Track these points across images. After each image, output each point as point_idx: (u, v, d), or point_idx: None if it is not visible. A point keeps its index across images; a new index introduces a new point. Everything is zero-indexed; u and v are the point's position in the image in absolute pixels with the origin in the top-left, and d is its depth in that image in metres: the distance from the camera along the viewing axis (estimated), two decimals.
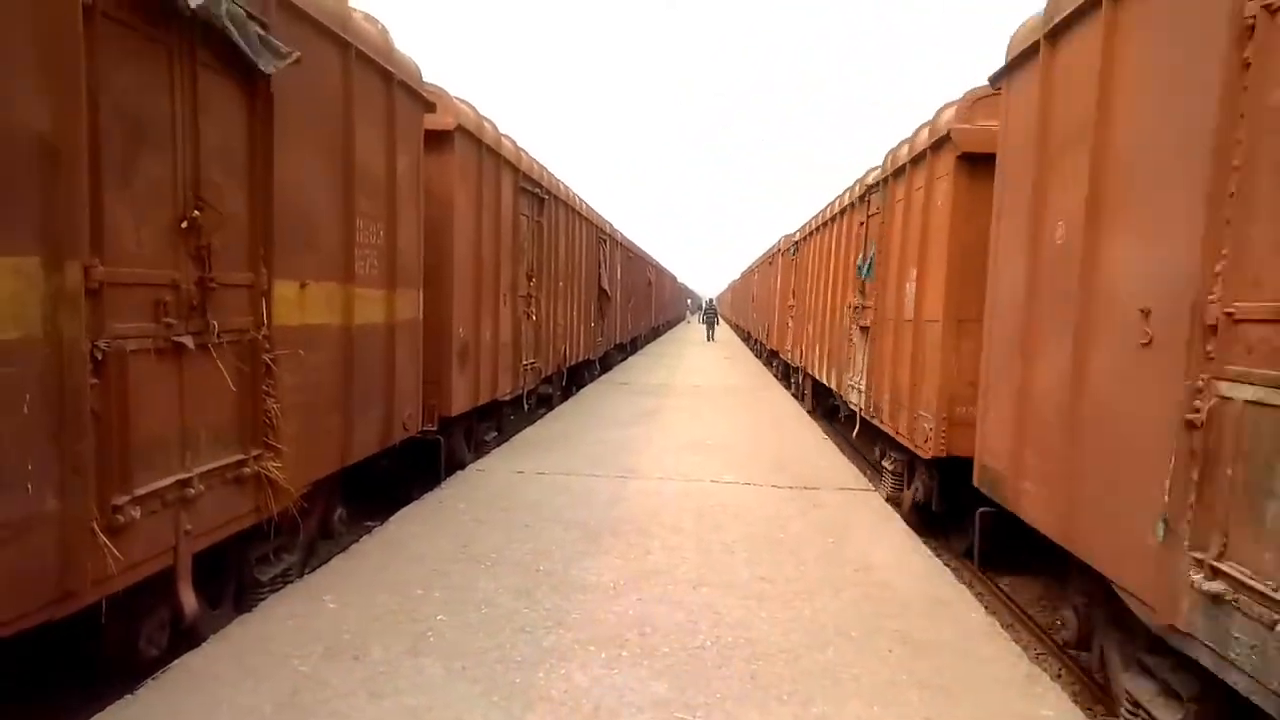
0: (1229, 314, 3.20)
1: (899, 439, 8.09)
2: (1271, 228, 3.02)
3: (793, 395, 16.59)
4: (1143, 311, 3.74)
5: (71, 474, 3.18)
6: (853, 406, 10.46)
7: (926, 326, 7.38)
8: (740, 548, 6.01)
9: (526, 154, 10.95)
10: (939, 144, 7.23)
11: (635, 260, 27.21)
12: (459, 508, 6.86)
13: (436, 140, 7.72)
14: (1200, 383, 3.31)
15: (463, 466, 8.51)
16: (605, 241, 18.90)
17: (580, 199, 15.35)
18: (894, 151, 8.83)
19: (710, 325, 39.83)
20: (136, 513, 3.56)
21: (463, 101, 8.38)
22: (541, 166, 11.85)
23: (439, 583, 5.09)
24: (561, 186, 13.37)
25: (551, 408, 13.43)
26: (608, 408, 13.50)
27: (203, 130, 4.02)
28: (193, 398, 4.00)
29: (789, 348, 18.05)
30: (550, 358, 12.94)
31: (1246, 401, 3.08)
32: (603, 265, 18.59)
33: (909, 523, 7.17)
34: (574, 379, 16.41)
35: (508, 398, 10.45)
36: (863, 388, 9.82)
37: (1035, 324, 5.03)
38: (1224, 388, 3.21)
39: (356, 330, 5.82)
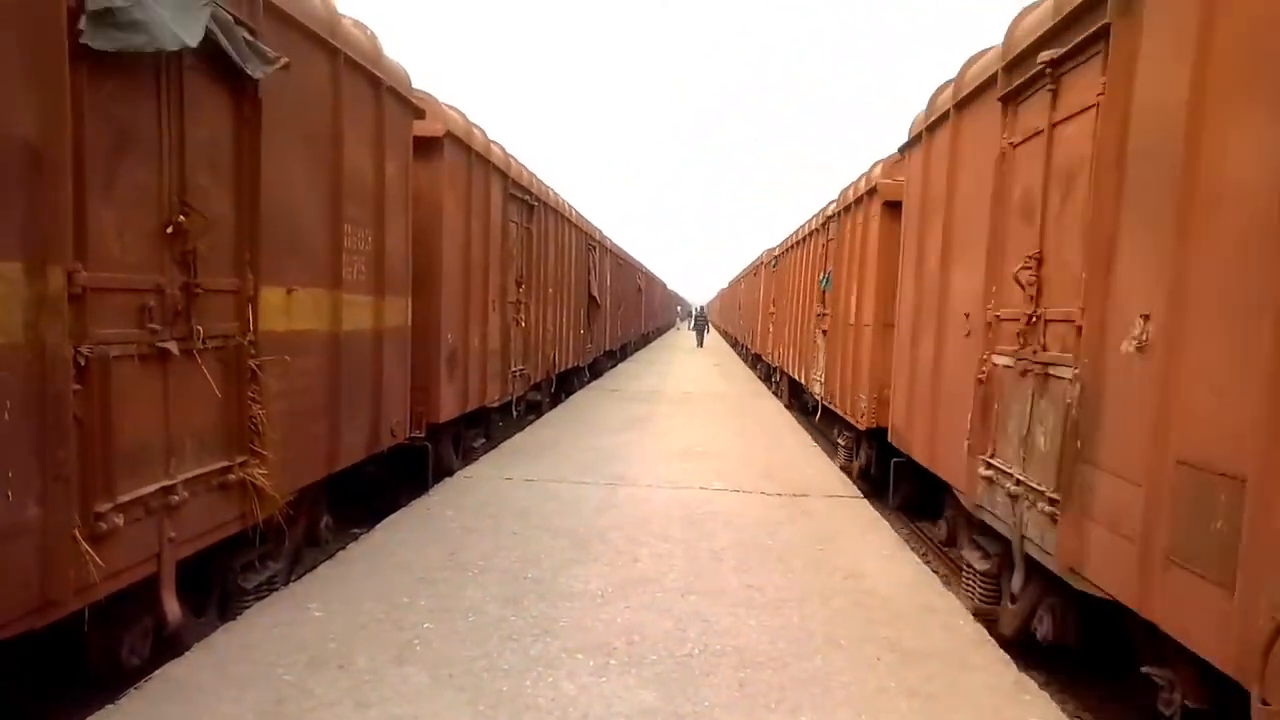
0: (996, 316, 5.43)
1: (846, 417, 10.22)
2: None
3: (773, 394, 17.87)
4: (965, 315, 5.95)
5: (53, 481, 3.14)
6: (816, 396, 12.62)
7: (863, 329, 9.37)
8: (729, 555, 6.00)
9: (516, 160, 10.95)
10: (870, 192, 9.32)
11: (625, 267, 27.23)
12: (447, 515, 6.83)
13: (426, 147, 7.71)
14: (985, 355, 5.51)
15: (451, 474, 8.48)
16: (595, 248, 18.90)
17: (570, 206, 15.36)
18: (844, 191, 10.90)
19: (700, 332, 40.49)
20: (120, 520, 3.52)
21: (452, 108, 8.37)
22: (531, 173, 11.85)
23: (426, 591, 5.06)
24: (551, 193, 13.37)
25: (541, 415, 13.40)
26: (597, 414, 13.48)
27: (189, 135, 3.99)
28: (177, 404, 3.96)
29: (769, 350, 20.16)
30: (539, 364, 12.92)
31: (1002, 366, 5.28)
32: (592, 272, 18.59)
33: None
34: (563, 386, 16.38)
35: (496, 404, 10.42)
36: (822, 380, 11.96)
37: (918, 325, 7.25)
38: (993, 358, 5.43)
39: (344, 336, 5.79)
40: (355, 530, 6.70)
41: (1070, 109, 4.56)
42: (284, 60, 4.49)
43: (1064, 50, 4.52)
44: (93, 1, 3.19)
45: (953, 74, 6.50)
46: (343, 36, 5.59)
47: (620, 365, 25.56)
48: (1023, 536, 4.78)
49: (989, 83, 5.63)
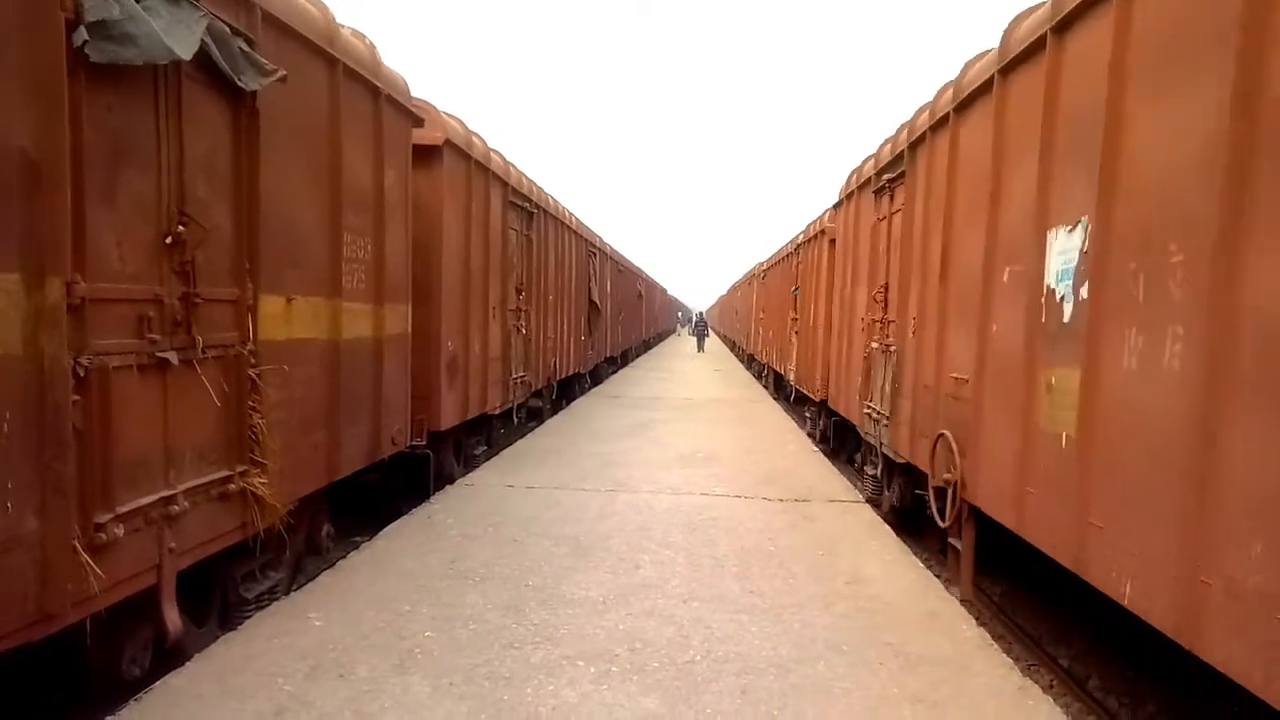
0: (871, 320, 8.84)
1: (807, 393, 13.93)
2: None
3: (763, 386, 20.80)
4: (862, 319, 9.34)
5: (53, 493, 3.14)
6: (790, 382, 16.43)
7: (817, 330, 12.95)
8: (731, 561, 5.99)
9: (515, 168, 10.97)
10: (820, 232, 13.00)
11: (625, 273, 27.24)
12: (448, 523, 6.82)
13: (425, 155, 7.73)
14: (867, 344, 9.00)
15: (452, 481, 8.47)
16: (595, 255, 18.92)
17: (570, 213, 15.38)
18: (808, 226, 14.57)
19: (700, 338, 40.61)
20: (119, 531, 3.52)
21: (451, 116, 8.39)
22: (531, 181, 11.87)
23: (427, 599, 5.05)
24: (551, 200, 13.39)
25: (542, 421, 13.39)
26: (598, 421, 13.47)
27: (187, 145, 4.00)
28: (177, 414, 3.96)
29: (759, 349, 24.71)
30: (540, 371, 12.92)
31: (873, 349, 8.79)
32: (592, 279, 18.60)
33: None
34: (564, 392, 16.38)
35: (498, 412, 10.42)
36: (794, 369, 15.86)
37: (840, 327, 11.00)
38: (870, 345, 8.88)
39: (344, 345, 5.79)
40: (356, 539, 6.69)
41: (896, 207, 8.16)
42: (281, 73, 4.51)
43: (893, 176, 8.24)
44: (91, 13, 3.20)
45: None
46: (341, 46, 5.60)
47: (621, 371, 25.55)
48: (880, 443, 8.35)
49: (869, 181, 9.22)
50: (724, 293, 55.62)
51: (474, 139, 9.01)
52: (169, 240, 3.87)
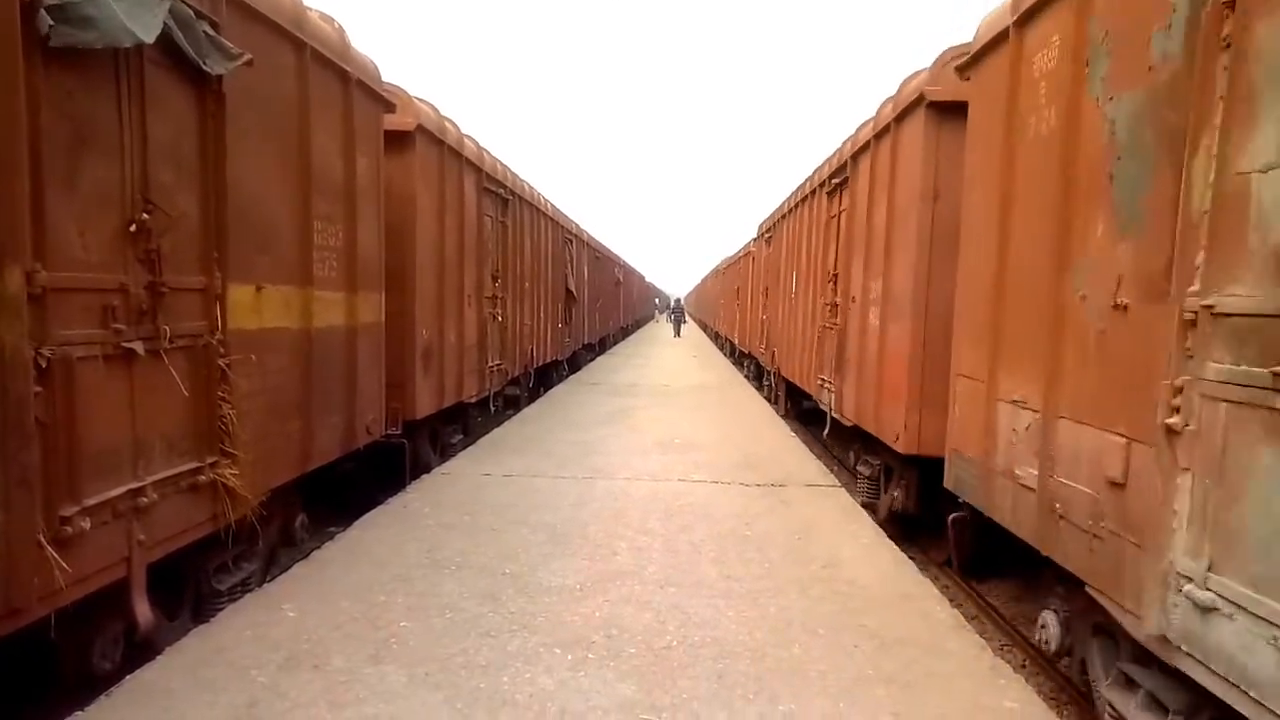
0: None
1: (766, 365, 16.70)
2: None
3: (739, 371, 22.20)
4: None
5: (16, 486, 3.08)
6: (746, 350, 21.14)
7: (761, 314, 17.00)
8: (708, 547, 6.01)
9: (490, 154, 10.88)
10: (756, 240, 18.79)
11: (602, 260, 27.16)
12: (424, 512, 6.79)
13: (397, 141, 7.65)
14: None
15: (428, 470, 8.43)
16: (571, 241, 18.84)
17: (545, 199, 15.29)
18: (755, 236, 19.68)
19: (677, 323, 41.68)
20: (86, 524, 3.46)
21: (424, 102, 8.30)
22: (505, 167, 11.78)
23: (403, 589, 5.03)
24: (526, 187, 13.30)
25: (519, 409, 13.34)
26: (576, 409, 13.45)
27: (151, 131, 3.92)
28: (144, 404, 3.90)
29: (726, 329, 30.06)
30: (517, 359, 12.87)
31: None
32: (569, 265, 18.53)
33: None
34: (542, 380, 16.33)
35: (474, 400, 10.37)
36: (737, 340, 22.59)
37: (789, 312, 13.40)
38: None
39: (316, 334, 5.73)
40: (332, 529, 6.65)
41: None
42: (246, 56, 4.42)
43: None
44: None
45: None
46: (309, 29, 5.51)
47: (599, 358, 25.51)
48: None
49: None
50: (701, 279, 56.71)
51: (447, 124, 8.92)
52: (133, 228, 3.80)
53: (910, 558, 6.09)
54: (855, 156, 8.89)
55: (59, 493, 3.34)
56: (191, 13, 4.02)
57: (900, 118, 7.35)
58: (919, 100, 6.78)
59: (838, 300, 9.57)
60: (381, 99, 6.97)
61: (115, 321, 3.68)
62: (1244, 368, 2.75)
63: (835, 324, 9.61)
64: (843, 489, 8.11)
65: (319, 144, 5.72)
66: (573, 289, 18.85)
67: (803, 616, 4.76)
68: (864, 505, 7.73)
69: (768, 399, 15.96)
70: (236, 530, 4.75)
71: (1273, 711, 2.55)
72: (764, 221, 17.55)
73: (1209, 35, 3.01)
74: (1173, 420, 3.07)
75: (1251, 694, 2.64)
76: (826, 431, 10.32)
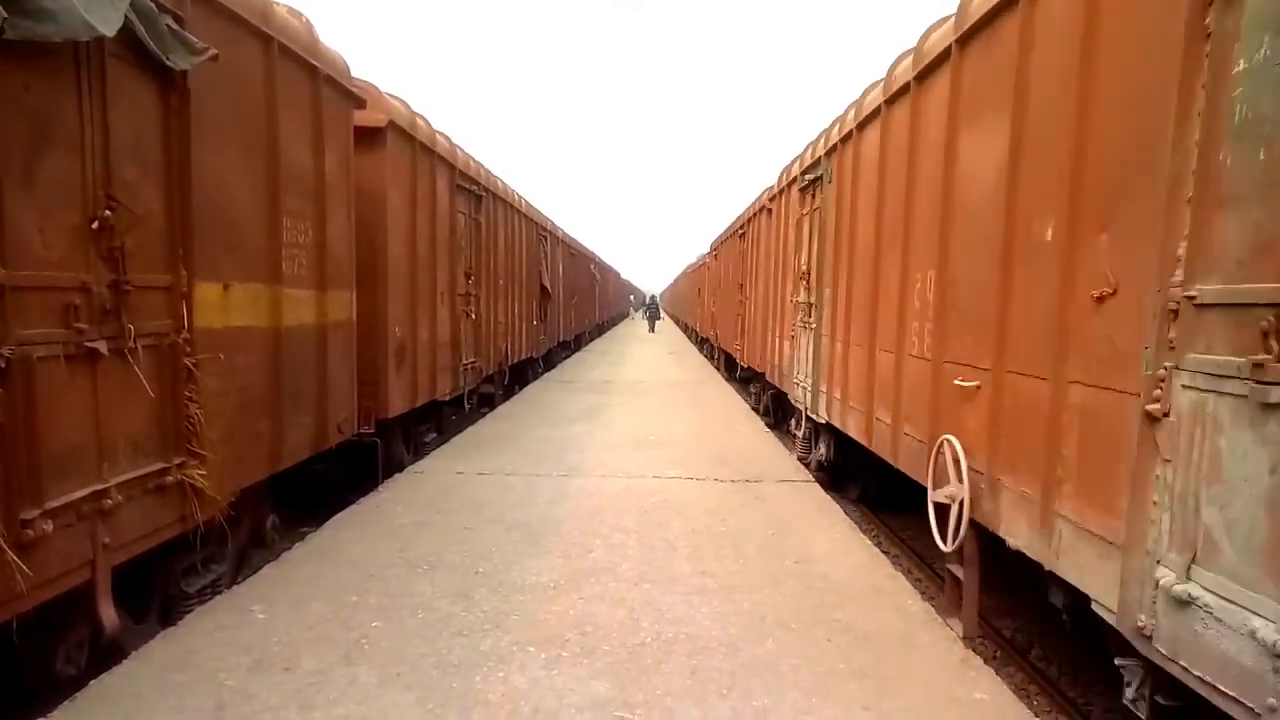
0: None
1: (735, 356, 18.11)
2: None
3: (714, 367, 22.46)
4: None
5: None
6: (704, 336, 26.11)
7: (725, 313, 19.81)
8: (682, 543, 6.02)
9: (463, 151, 10.81)
10: (707, 254, 26.12)
11: (578, 257, 27.11)
12: (397, 511, 6.74)
13: (368, 137, 7.57)
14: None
15: (401, 469, 8.37)
16: (546, 238, 18.78)
17: (520, 196, 15.22)
18: (710, 246, 24.58)
19: (652, 319, 42.21)
20: (48, 526, 3.40)
21: (394, 97, 8.23)
22: (479, 164, 11.72)
23: (375, 589, 4.99)
24: (500, 184, 13.24)
25: (494, 407, 13.28)
26: (551, 406, 13.42)
27: (113, 126, 3.85)
28: (109, 405, 3.84)
29: (694, 322, 34.54)
30: (491, 357, 12.81)
31: (737, 315, 17.04)
32: (544, 263, 18.47)
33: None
34: (517, 378, 16.27)
35: (448, 398, 10.31)
36: (716, 335, 23.45)
37: (724, 306, 20.67)
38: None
39: (285, 332, 5.66)
40: (304, 530, 6.57)
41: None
42: (212, 51, 4.36)
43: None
44: None
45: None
46: (276, 24, 5.44)
47: (575, 355, 25.48)
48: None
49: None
50: (676, 276, 57.55)
51: (418, 120, 8.85)
52: (96, 225, 3.73)
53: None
54: (750, 219, 15.09)
55: (20, 495, 3.28)
56: (154, 6, 3.95)
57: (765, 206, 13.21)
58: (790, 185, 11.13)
59: (743, 299, 16.00)
60: (351, 94, 6.90)
61: (77, 321, 3.61)
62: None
63: (740, 313, 16.45)
64: (816, 484, 8.16)
65: (287, 140, 5.65)
66: (548, 286, 18.80)
67: (776, 611, 4.78)
68: (800, 460, 9.78)
69: (716, 369, 21.51)
70: (205, 532, 4.69)
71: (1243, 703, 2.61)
72: (714, 241, 24.17)
73: None
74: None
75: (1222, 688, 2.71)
76: (739, 374, 17.81)
